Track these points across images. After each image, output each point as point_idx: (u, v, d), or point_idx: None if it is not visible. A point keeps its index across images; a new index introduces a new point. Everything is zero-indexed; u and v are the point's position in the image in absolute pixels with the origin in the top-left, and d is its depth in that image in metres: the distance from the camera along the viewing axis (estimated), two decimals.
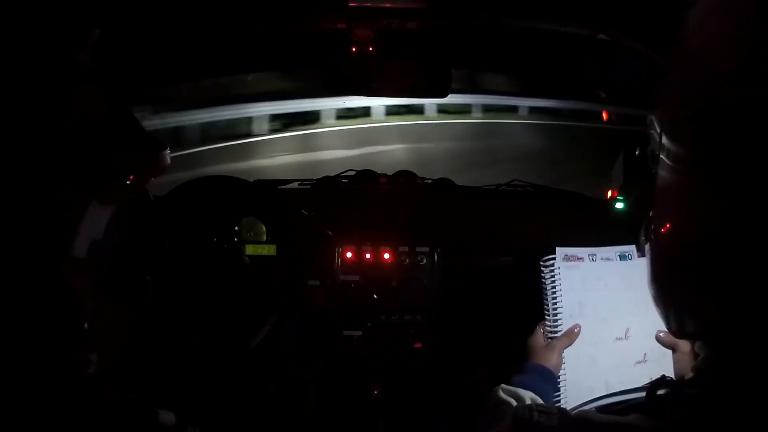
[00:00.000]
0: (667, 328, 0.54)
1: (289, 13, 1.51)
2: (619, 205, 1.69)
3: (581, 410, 0.58)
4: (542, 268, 1.15)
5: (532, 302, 1.67)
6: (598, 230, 1.60)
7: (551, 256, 1.14)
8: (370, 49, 1.59)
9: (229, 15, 1.45)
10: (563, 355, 1.08)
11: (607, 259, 1.14)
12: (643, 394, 0.52)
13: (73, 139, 0.56)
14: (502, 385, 1.05)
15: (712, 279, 0.47)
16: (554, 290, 1.13)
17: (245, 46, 1.71)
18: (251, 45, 1.71)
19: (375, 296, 1.71)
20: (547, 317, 1.13)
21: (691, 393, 0.50)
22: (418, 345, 1.71)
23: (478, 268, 1.75)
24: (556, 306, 1.12)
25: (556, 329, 1.11)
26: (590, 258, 1.14)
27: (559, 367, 1.08)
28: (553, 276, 1.13)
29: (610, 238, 1.38)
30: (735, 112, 0.43)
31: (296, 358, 1.71)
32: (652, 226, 0.54)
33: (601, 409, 0.57)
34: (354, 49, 1.59)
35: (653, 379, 0.55)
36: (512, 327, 1.74)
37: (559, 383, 1.08)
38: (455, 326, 1.73)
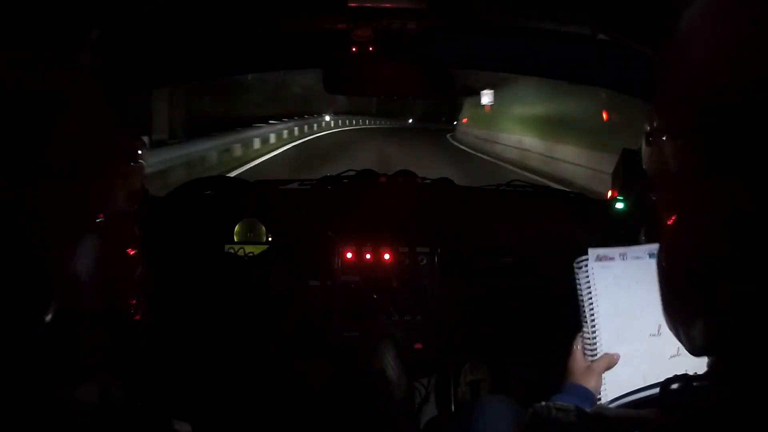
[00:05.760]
0: (684, 346, 0.53)
1: (289, 14, 1.51)
2: (619, 205, 1.69)
3: (598, 406, 0.58)
4: (576, 270, 1.15)
5: (531, 301, 1.68)
6: (598, 230, 1.61)
7: (584, 257, 1.14)
8: (370, 49, 1.59)
9: (230, 16, 1.45)
10: (603, 376, 1.09)
11: (637, 257, 1.13)
12: (658, 390, 0.53)
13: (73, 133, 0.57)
14: (543, 403, 1.05)
15: (722, 287, 0.46)
16: (589, 291, 1.12)
17: (245, 46, 1.71)
18: (251, 45, 1.70)
19: (375, 296, 1.71)
20: (584, 322, 1.13)
21: (703, 386, 0.50)
22: (418, 345, 1.71)
23: (477, 268, 1.75)
24: (593, 309, 1.12)
25: (595, 346, 1.11)
26: (621, 257, 1.13)
27: (598, 389, 1.08)
28: (587, 277, 1.13)
29: (610, 237, 1.38)
30: (738, 114, 0.42)
31: (297, 359, 1.71)
32: (660, 239, 0.53)
33: (620, 406, 0.57)
34: (354, 49, 1.59)
35: (688, 370, 0.55)
36: (512, 327, 1.74)
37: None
38: (455, 327, 1.73)
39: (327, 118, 23.23)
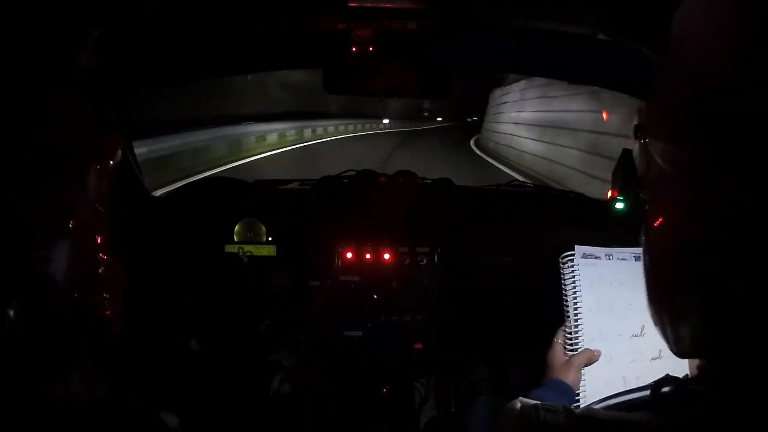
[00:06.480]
0: (670, 346, 0.52)
1: (289, 14, 1.51)
2: (619, 205, 1.69)
3: (587, 408, 0.58)
4: (561, 265, 1.15)
5: (531, 302, 1.67)
6: (598, 230, 1.61)
7: (570, 253, 1.14)
8: (370, 49, 1.59)
9: (229, 16, 1.45)
10: (582, 372, 1.08)
11: (623, 259, 1.14)
12: (649, 392, 0.52)
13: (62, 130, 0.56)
14: (521, 398, 1.04)
15: (721, 288, 0.45)
16: (574, 286, 1.13)
17: (245, 46, 1.71)
18: (251, 46, 1.70)
19: (375, 296, 1.71)
20: (566, 316, 1.13)
21: (696, 390, 0.50)
22: (418, 345, 1.71)
23: (477, 268, 1.75)
24: (576, 304, 1.12)
25: (576, 340, 1.10)
26: (607, 257, 1.15)
27: (577, 384, 1.07)
28: (572, 272, 1.13)
29: (610, 237, 1.38)
30: (734, 115, 0.42)
31: (297, 359, 1.71)
32: (648, 237, 0.53)
33: (609, 408, 0.57)
34: (354, 49, 1.59)
35: (669, 373, 0.55)
36: (512, 327, 1.74)
37: (578, 399, 1.07)
38: (455, 327, 1.73)
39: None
